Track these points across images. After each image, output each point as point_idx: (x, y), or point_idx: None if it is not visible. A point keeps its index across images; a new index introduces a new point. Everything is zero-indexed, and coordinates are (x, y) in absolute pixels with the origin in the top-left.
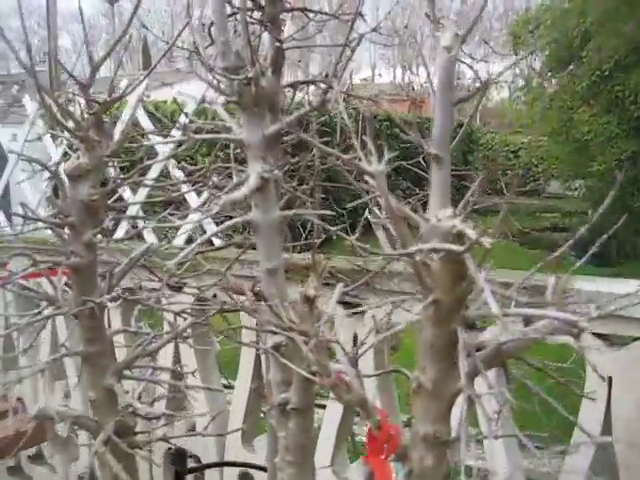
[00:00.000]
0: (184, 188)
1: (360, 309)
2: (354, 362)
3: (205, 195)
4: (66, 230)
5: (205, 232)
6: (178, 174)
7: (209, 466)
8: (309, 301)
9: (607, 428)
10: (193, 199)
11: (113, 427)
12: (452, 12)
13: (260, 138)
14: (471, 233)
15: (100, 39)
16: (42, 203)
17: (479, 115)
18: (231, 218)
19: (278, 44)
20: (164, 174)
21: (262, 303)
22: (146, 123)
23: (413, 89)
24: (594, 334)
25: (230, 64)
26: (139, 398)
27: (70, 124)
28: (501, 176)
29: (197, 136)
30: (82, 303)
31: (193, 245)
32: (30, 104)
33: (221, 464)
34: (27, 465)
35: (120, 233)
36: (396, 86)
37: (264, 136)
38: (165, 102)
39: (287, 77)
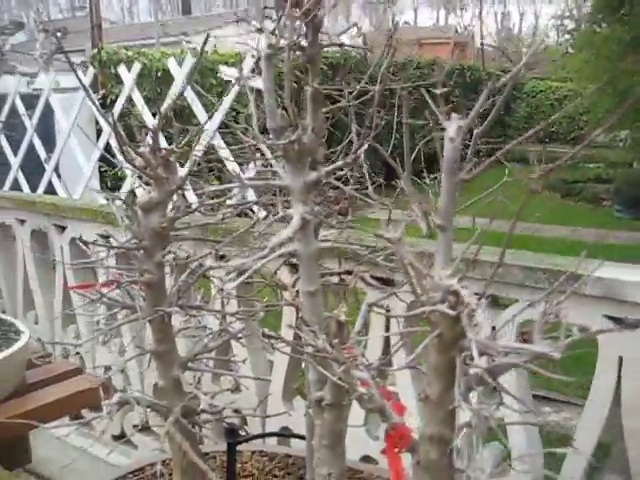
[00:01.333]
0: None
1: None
2: (377, 371)
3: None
4: (141, 252)
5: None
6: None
7: (255, 437)
8: (340, 325)
9: (617, 401)
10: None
11: (180, 410)
12: None
13: (302, 185)
14: (464, 293)
15: None
16: (95, 174)
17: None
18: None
19: (315, 90)
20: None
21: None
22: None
23: (456, 31)
24: (606, 317)
25: (276, 125)
26: (198, 382)
27: (141, 162)
28: (546, 125)
29: (248, 183)
30: (154, 312)
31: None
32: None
33: (267, 435)
34: (132, 433)
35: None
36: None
37: (305, 183)
38: (206, 52)
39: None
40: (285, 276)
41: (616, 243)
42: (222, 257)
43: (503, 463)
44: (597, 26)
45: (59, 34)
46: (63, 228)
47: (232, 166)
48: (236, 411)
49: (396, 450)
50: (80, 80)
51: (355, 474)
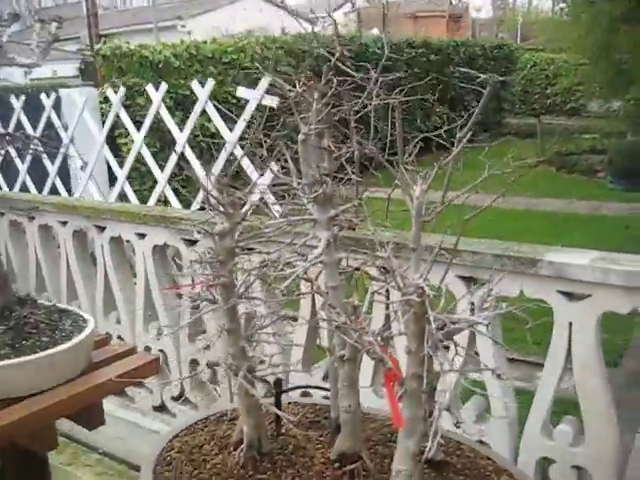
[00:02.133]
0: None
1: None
2: (380, 337)
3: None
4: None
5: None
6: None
7: (295, 388)
8: (354, 307)
9: (569, 359)
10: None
11: (246, 369)
12: None
13: (326, 218)
14: (426, 289)
15: None
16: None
17: (519, 31)
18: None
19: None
20: None
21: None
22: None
23: (451, 3)
24: (559, 292)
25: (309, 182)
26: (254, 350)
27: (215, 203)
28: (540, 97)
29: (280, 220)
30: (227, 302)
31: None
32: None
33: (302, 387)
34: (170, 403)
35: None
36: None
37: (328, 217)
38: (205, 42)
39: None
40: (310, 273)
41: (608, 214)
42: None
43: (484, 412)
44: None
45: (55, 24)
46: (103, 228)
47: (250, 170)
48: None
49: (392, 384)
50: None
51: (365, 415)
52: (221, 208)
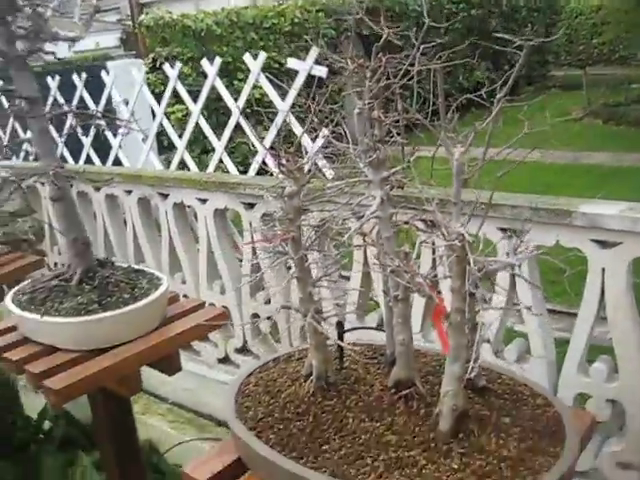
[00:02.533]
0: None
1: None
2: (428, 277)
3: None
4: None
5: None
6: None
7: (355, 329)
8: (405, 254)
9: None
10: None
11: (313, 311)
12: None
13: (379, 179)
14: (466, 235)
15: None
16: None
17: None
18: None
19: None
20: None
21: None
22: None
23: None
24: (592, 240)
25: (364, 148)
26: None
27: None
28: (586, 47)
29: (339, 182)
30: (297, 254)
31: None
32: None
33: (362, 328)
34: (234, 355)
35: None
36: None
37: (381, 178)
38: (246, 8)
39: None
40: (364, 227)
41: None
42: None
43: (525, 354)
44: None
45: None
46: (166, 195)
47: (304, 137)
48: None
49: (439, 318)
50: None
51: (416, 351)
52: (289, 173)
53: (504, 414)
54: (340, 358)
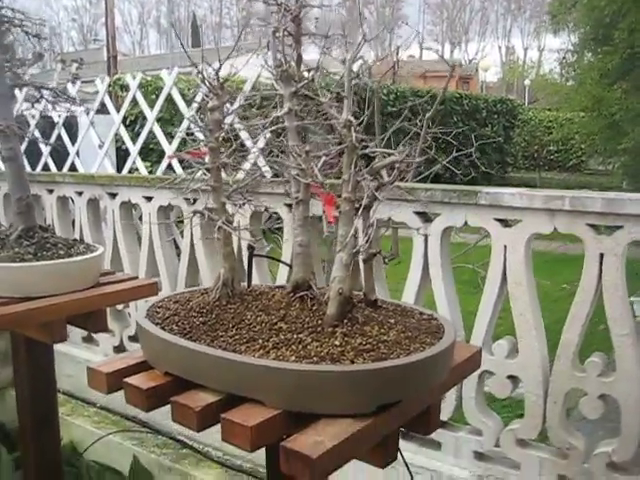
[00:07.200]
0: None
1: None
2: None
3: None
4: None
5: None
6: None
7: (262, 256)
8: (307, 153)
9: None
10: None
11: (225, 219)
12: None
13: (289, 93)
14: (355, 123)
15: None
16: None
17: (527, 90)
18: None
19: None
20: None
21: None
22: None
23: (460, 65)
24: (495, 219)
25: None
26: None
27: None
28: (541, 152)
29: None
30: (213, 163)
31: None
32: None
33: (269, 257)
34: (129, 344)
35: None
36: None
37: (290, 92)
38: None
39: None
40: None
41: None
42: None
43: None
44: (585, 55)
45: (76, 64)
46: (114, 195)
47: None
48: None
49: (331, 205)
50: None
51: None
52: (212, 88)
53: (390, 317)
54: (249, 276)
